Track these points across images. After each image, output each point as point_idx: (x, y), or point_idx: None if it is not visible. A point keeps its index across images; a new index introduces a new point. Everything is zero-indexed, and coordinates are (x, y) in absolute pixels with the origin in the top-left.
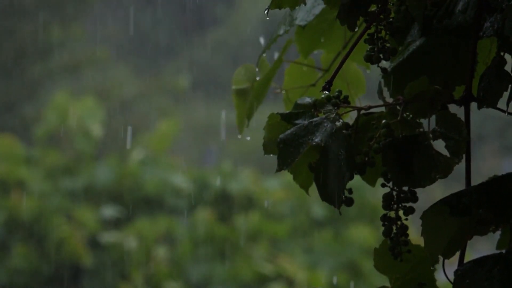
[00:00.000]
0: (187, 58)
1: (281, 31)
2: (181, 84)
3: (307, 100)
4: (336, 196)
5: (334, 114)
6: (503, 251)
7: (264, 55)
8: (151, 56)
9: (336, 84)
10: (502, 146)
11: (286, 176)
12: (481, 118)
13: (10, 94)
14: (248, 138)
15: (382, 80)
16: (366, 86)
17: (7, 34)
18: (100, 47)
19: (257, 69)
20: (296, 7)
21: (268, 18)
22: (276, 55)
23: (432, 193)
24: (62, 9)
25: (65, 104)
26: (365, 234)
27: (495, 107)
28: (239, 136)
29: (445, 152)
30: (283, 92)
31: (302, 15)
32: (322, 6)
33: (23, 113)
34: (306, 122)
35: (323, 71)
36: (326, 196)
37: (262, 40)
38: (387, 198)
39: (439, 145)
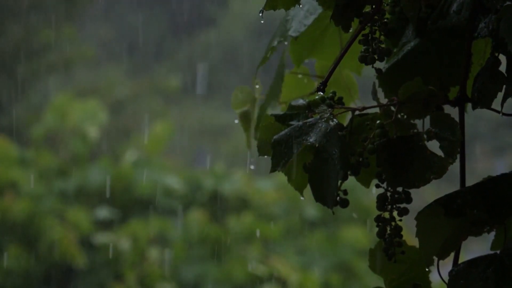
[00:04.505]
0: (179, 59)
1: (275, 43)
2: (172, 85)
3: (301, 101)
4: (329, 196)
5: (329, 114)
6: (497, 251)
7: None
8: (142, 57)
9: (330, 89)
10: (494, 147)
11: (279, 177)
12: (473, 119)
13: (2, 94)
14: (252, 167)
15: (377, 81)
16: (358, 91)
17: None
18: (92, 48)
19: (257, 86)
20: (291, 8)
21: (262, 20)
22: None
23: (424, 194)
24: (54, 10)
25: (64, 106)
26: (358, 235)
27: (489, 108)
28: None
29: (439, 153)
30: (282, 105)
31: (295, 26)
32: (314, 16)
33: (14, 114)
34: (300, 123)
35: (320, 79)
36: (319, 196)
37: None
38: (381, 199)
39: (434, 146)
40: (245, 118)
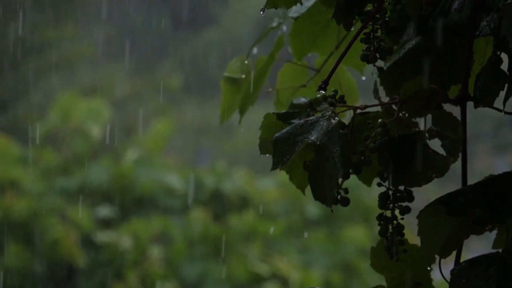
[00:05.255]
0: (180, 57)
1: (274, 24)
2: (174, 84)
3: (303, 100)
4: (329, 195)
5: (330, 112)
6: (499, 250)
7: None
8: (144, 55)
9: (331, 89)
10: (495, 145)
11: (280, 175)
12: (475, 118)
13: (3, 93)
14: (242, 131)
15: (378, 79)
16: (358, 90)
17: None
18: (93, 47)
19: (248, 61)
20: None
21: (263, 17)
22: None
23: (426, 193)
24: (56, 9)
25: (68, 104)
26: (359, 234)
27: (491, 106)
28: (229, 126)
29: (441, 151)
30: (274, 92)
31: (296, 8)
32: None
33: (16, 113)
34: (302, 121)
35: (315, 72)
36: (318, 194)
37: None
38: (383, 198)
39: (435, 144)
40: (229, 83)
